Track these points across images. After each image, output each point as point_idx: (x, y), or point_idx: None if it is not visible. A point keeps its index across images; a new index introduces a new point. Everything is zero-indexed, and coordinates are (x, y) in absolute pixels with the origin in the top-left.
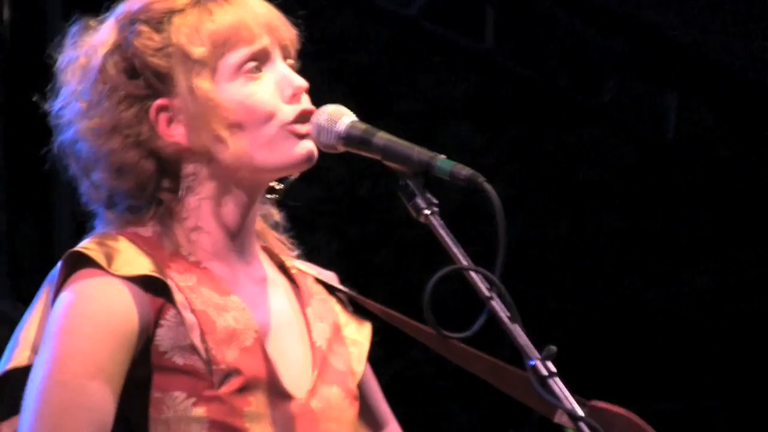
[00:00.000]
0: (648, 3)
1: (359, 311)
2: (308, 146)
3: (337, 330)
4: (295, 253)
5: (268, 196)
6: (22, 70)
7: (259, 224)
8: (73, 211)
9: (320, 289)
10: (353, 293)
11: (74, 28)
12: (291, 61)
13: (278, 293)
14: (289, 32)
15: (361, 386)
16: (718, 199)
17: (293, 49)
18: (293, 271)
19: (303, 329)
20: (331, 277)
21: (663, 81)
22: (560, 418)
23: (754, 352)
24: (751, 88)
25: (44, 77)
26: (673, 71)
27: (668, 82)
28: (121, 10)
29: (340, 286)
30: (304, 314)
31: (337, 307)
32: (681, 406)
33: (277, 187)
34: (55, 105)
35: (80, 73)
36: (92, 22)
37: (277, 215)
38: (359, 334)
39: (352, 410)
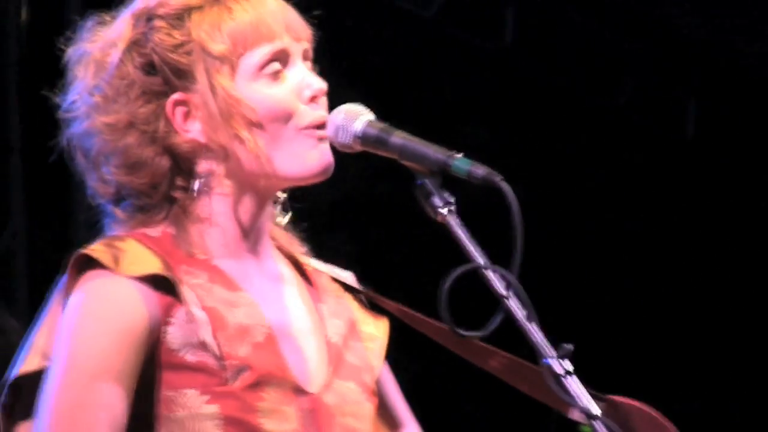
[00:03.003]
0: (666, 3)
1: (376, 309)
2: (326, 158)
3: (352, 326)
4: (304, 249)
5: (280, 194)
6: (40, 71)
7: (271, 223)
8: (89, 215)
9: (335, 286)
10: (370, 292)
11: (88, 23)
12: (309, 62)
13: (291, 290)
14: (306, 32)
15: (378, 385)
16: (736, 199)
17: (310, 49)
18: (308, 268)
19: (317, 325)
20: (348, 278)
21: (680, 81)
22: (575, 414)
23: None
24: None
25: (62, 77)
26: (691, 71)
27: (686, 82)
28: (137, 5)
29: (357, 285)
30: (319, 311)
31: (354, 304)
32: (699, 405)
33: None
34: (67, 98)
35: (94, 68)
36: (106, 17)
37: (280, 214)
38: (376, 330)
39: (369, 405)
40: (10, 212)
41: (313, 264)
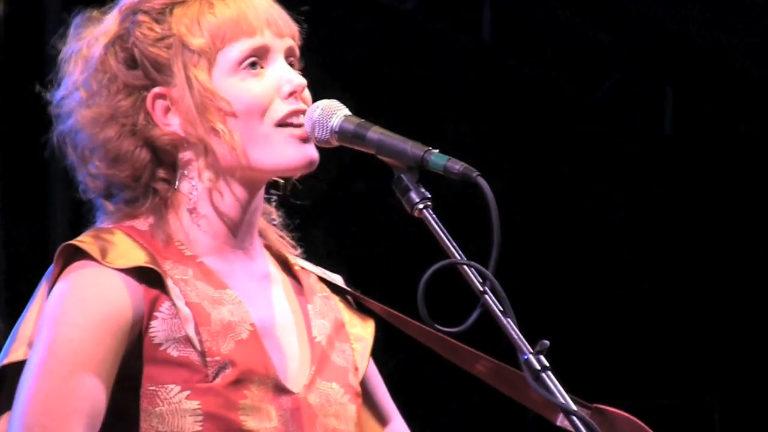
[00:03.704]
0: None
1: (363, 311)
2: (308, 152)
3: (339, 327)
4: (298, 251)
5: (272, 193)
6: (19, 65)
7: (262, 222)
8: (71, 207)
9: (323, 287)
10: (357, 293)
11: (77, 19)
12: (293, 59)
13: (278, 290)
14: (290, 28)
15: (365, 382)
16: (716, 194)
17: (296, 46)
18: (296, 268)
19: (302, 325)
20: (337, 280)
21: (659, 77)
22: (562, 422)
23: (754, 348)
24: (748, 82)
25: (41, 72)
26: (669, 67)
27: (664, 77)
28: (124, 1)
29: (345, 287)
30: (305, 311)
31: (341, 305)
32: (680, 401)
33: (281, 182)
34: (57, 95)
35: (82, 64)
36: (95, 14)
37: (275, 213)
38: (363, 331)
39: (352, 406)
40: None
41: (302, 264)
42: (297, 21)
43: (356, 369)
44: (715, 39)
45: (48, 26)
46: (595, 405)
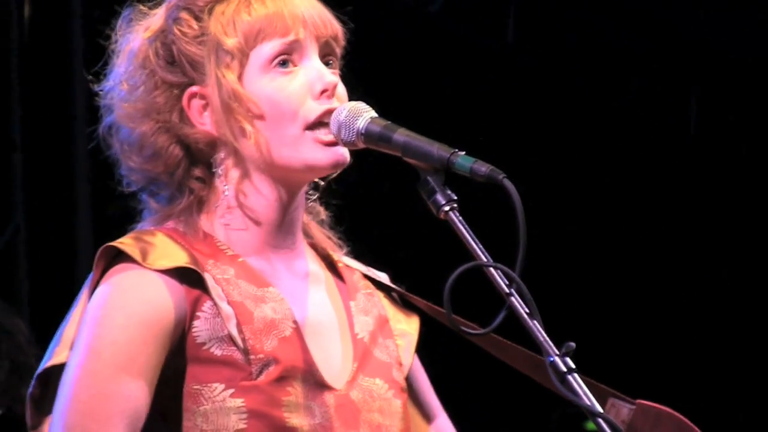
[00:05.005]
0: (668, 1)
1: (408, 307)
2: (337, 152)
3: (383, 323)
4: (344, 250)
5: (312, 193)
6: (43, 67)
7: (307, 220)
8: (94, 207)
9: (367, 283)
10: (402, 290)
11: (126, 12)
12: (331, 58)
13: (320, 287)
14: (328, 29)
15: (409, 378)
16: (739, 196)
17: (337, 47)
18: (340, 265)
19: (345, 322)
20: (382, 277)
21: (683, 78)
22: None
23: None
24: None
25: (64, 75)
26: (694, 69)
27: (689, 79)
28: None
29: (390, 284)
30: (348, 308)
31: (385, 301)
32: (700, 406)
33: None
34: (105, 87)
35: (126, 58)
36: (143, 8)
37: (323, 213)
38: (408, 326)
39: (397, 401)
40: (12, 209)
41: (346, 261)
42: (341, 21)
43: (400, 364)
44: (739, 41)
45: (73, 28)
46: (638, 401)
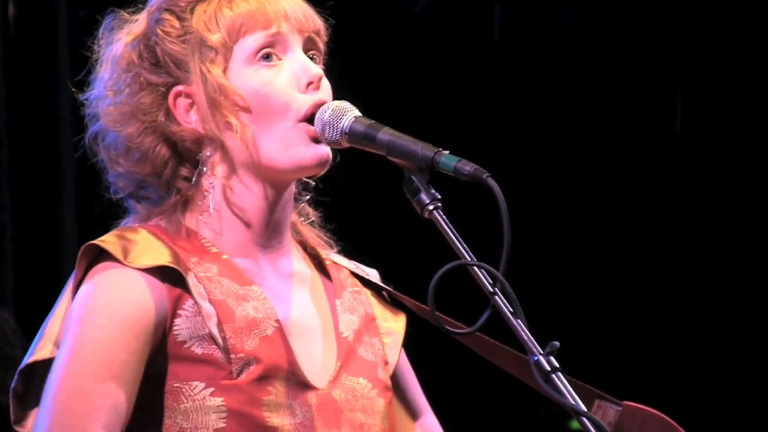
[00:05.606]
0: (653, 0)
1: (395, 305)
2: (321, 151)
3: (369, 321)
4: (335, 249)
5: (304, 194)
6: (28, 67)
7: (295, 219)
8: (78, 210)
9: (354, 281)
10: (389, 288)
11: (108, 20)
12: (315, 53)
13: (305, 287)
14: (311, 24)
15: (396, 376)
16: (724, 196)
17: (320, 42)
18: (327, 263)
19: (329, 321)
20: (372, 274)
21: (668, 78)
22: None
23: (761, 351)
24: (757, 82)
25: (49, 73)
26: (679, 68)
27: (673, 79)
28: (153, 1)
29: (378, 282)
30: (333, 306)
31: (372, 299)
32: (685, 404)
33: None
34: (89, 96)
35: (110, 64)
36: (125, 14)
37: (313, 214)
38: (395, 325)
39: (381, 400)
40: None
41: (334, 258)
42: (322, 17)
43: (386, 363)
44: (724, 41)
45: (58, 27)
46: (625, 402)
